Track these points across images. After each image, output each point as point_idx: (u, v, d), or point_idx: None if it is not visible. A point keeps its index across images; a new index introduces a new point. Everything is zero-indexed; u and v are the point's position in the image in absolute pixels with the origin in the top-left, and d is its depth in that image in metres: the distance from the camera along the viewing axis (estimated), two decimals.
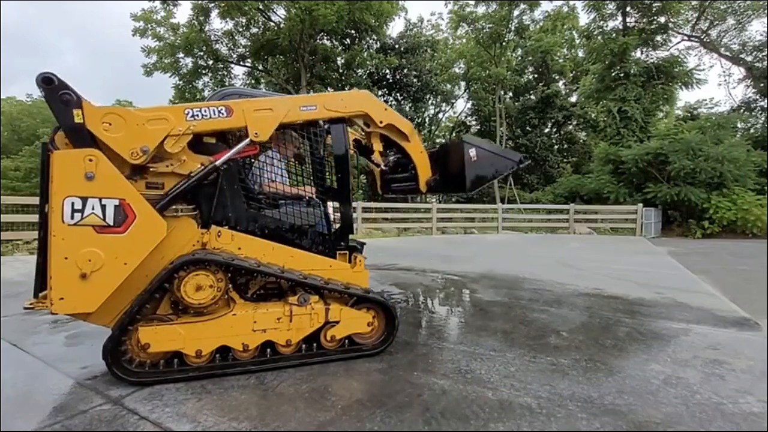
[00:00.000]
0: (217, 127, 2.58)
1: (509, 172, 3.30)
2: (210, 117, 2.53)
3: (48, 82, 2.13)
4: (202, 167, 2.50)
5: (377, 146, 3.15)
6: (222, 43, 24.16)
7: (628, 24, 20.61)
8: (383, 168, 3.76)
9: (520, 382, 2.51)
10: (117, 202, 2.20)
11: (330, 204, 3.08)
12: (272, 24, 22.61)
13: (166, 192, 2.47)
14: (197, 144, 2.57)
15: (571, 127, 27.38)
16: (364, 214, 14.46)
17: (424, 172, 3.26)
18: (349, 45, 23.83)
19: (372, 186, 4.14)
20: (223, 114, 2.57)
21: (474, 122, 29.25)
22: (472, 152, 2.94)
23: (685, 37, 21.69)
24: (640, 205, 15.34)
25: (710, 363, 2.85)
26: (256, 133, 2.64)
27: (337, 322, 2.77)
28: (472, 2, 24.95)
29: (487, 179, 3.08)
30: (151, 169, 2.44)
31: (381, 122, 3.02)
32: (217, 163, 2.54)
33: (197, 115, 2.50)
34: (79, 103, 2.18)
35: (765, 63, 20.02)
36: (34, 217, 8.07)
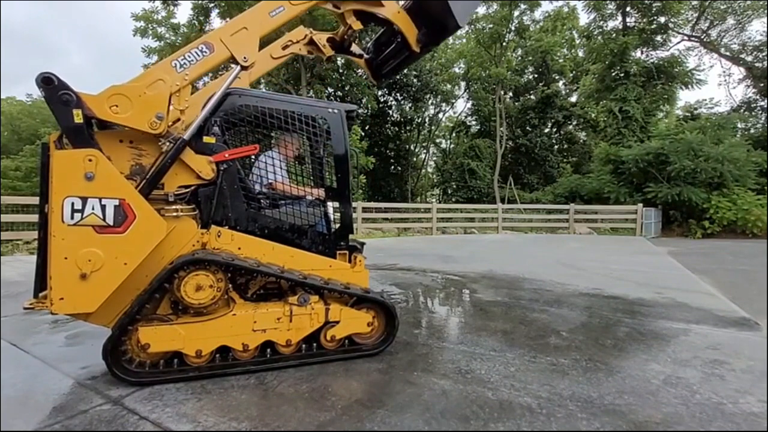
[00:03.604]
0: (208, 67, 2.58)
1: None
2: (196, 60, 2.52)
3: (48, 82, 2.13)
4: (172, 145, 2.42)
5: (355, 25, 3.00)
6: None
7: (628, 24, 20.64)
8: (366, 56, 3.60)
9: (520, 382, 2.51)
10: (117, 202, 2.20)
11: (330, 204, 3.08)
12: None
13: (143, 176, 2.42)
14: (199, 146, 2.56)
15: (571, 127, 27.39)
16: (364, 214, 14.45)
17: (410, 30, 3.10)
18: None
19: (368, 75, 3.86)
20: (206, 52, 2.55)
21: (474, 122, 29.24)
22: None
23: (685, 37, 21.75)
24: (640, 205, 15.34)
25: (710, 363, 2.85)
26: (245, 58, 2.60)
27: (337, 322, 2.77)
28: None
29: (475, 2, 2.95)
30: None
31: None
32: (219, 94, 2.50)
33: (185, 64, 2.49)
34: (78, 103, 2.17)
35: (765, 63, 20.03)
36: (34, 217, 8.06)
